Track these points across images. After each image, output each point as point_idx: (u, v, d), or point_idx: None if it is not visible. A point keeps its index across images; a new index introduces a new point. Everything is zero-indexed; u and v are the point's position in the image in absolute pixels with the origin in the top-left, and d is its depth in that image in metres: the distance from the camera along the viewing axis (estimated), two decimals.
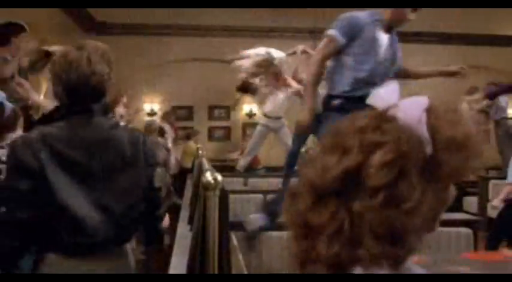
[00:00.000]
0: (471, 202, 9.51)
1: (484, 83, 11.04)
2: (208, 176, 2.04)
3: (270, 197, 6.77)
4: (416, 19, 12.77)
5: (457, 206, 10.00)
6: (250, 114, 11.53)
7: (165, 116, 10.69)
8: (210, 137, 11.42)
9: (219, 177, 2.02)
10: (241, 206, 6.74)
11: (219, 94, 11.47)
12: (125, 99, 10.02)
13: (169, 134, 10.38)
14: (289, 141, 8.60)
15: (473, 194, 9.52)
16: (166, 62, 11.16)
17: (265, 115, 8.76)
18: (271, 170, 9.80)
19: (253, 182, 8.73)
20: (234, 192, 6.98)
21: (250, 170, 9.59)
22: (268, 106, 8.75)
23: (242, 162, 9.11)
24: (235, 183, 8.77)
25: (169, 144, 8.37)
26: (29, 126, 5.54)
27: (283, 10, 10.91)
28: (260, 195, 6.80)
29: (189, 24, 10.95)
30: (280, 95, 8.64)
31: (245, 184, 8.72)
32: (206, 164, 4.44)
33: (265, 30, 11.19)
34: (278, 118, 8.60)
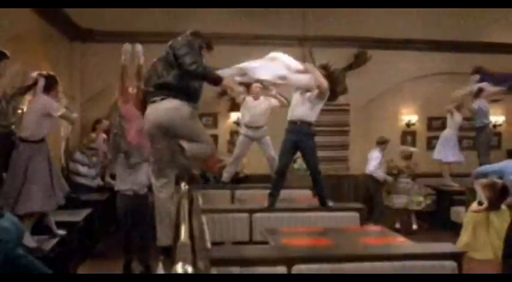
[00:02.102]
0: (459, 212, 9.54)
1: None
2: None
3: (256, 216, 6.78)
4: (407, 26, 12.81)
5: (445, 216, 10.05)
6: (238, 122, 11.45)
7: None
8: None
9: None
10: (227, 226, 6.70)
11: (206, 102, 11.33)
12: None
13: None
14: (271, 151, 8.61)
15: (460, 203, 9.55)
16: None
17: (245, 125, 8.88)
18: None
19: (240, 194, 8.69)
20: (219, 211, 6.95)
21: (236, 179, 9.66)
22: (247, 116, 8.84)
23: (226, 174, 9.12)
24: (221, 196, 8.75)
25: None
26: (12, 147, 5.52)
27: (272, 17, 10.84)
28: (246, 215, 6.75)
29: (177, 32, 10.78)
30: (261, 105, 8.65)
31: (232, 197, 8.70)
32: None
33: (254, 37, 11.10)
34: (258, 127, 8.67)
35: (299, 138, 6.86)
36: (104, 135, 9.73)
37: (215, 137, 11.37)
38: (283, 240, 5.40)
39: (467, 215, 6.13)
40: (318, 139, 11.42)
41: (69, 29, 10.11)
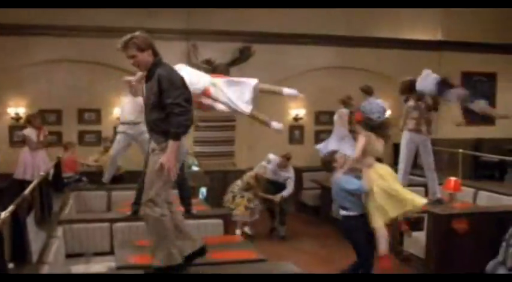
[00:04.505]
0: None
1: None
2: None
3: (116, 226, 6.65)
4: (295, 21, 12.76)
5: (328, 211, 10.18)
6: None
7: (29, 120, 10.03)
8: (81, 141, 10.99)
9: None
10: (86, 237, 6.54)
11: (89, 97, 11.05)
12: None
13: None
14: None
15: None
16: (33, 63, 10.62)
17: (123, 122, 8.68)
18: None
19: (117, 195, 8.56)
20: (78, 221, 6.77)
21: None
22: (126, 112, 8.67)
23: (106, 175, 8.94)
24: (98, 198, 8.63)
25: None
26: None
27: (155, 10, 10.59)
28: (107, 224, 6.61)
29: (58, 25, 10.43)
30: (138, 100, 8.42)
31: (109, 199, 8.59)
32: None
33: (137, 30, 10.81)
34: (136, 123, 8.43)
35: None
36: None
37: (99, 133, 11.10)
38: (129, 256, 5.38)
39: None
40: (204, 135, 11.48)
41: None
